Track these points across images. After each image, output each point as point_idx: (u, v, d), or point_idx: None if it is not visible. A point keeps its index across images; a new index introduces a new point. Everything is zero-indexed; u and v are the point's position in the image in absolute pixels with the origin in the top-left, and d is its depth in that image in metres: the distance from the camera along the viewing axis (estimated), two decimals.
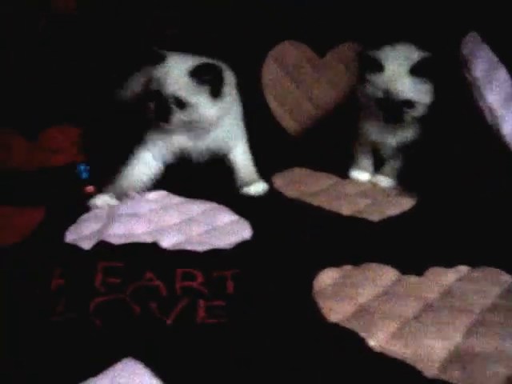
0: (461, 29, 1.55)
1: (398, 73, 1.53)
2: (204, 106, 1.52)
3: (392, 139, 1.67)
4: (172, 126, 1.54)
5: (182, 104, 1.50)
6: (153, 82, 1.51)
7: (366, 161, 1.75)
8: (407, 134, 1.65)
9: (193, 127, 1.56)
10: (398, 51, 1.57)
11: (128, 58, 1.85)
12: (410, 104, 1.55)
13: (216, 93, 1.54)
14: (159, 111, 1.51)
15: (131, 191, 1.50)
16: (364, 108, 1.66)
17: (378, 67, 1.54)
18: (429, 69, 1.53)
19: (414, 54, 1.55)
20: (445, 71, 1.56)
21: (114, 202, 1.47)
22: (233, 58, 1.95)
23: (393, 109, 1.56)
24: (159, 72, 1.51)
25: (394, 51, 1.58)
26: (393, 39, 1.64)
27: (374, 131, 1.68)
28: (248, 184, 1.61)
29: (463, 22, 1.56)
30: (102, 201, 1.46)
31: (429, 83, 1.56)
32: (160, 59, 1.52)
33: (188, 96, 1.50)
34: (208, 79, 1.52)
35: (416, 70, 1.52)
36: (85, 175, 1.60)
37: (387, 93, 1.54)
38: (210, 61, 1.55)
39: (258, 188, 1.61)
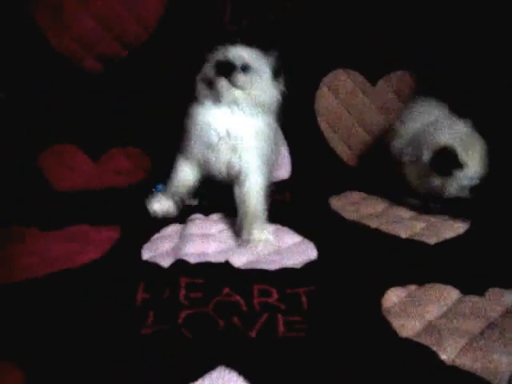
0: None
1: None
2: (266, 78, 1.57)
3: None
4: (232, 89, 1.53)
5: (247, 67, 1.53)
6: (218, 56, 1.54)
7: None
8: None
9: (247, 100, 1.55)
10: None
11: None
12: None
13: (277, 74, 1.59)
14: (223, 68, 1.52)
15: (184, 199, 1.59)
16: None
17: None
18: None
19: None
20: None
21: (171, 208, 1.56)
22: (288, 85, 2.04)
23: None
24: (224, 49, 1.55)
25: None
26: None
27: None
28: (250, 227, 1.46)
29: None
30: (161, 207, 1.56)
31: None
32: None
33: (254, 62, 1.54)
34: (273, 57, 1.58)
35: None
36: (159, 188, 1.65)
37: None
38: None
39: (261, 235, 1.44)
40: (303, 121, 2.12)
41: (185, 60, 1.88)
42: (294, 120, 2.08)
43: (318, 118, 2.13)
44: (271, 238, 1.45)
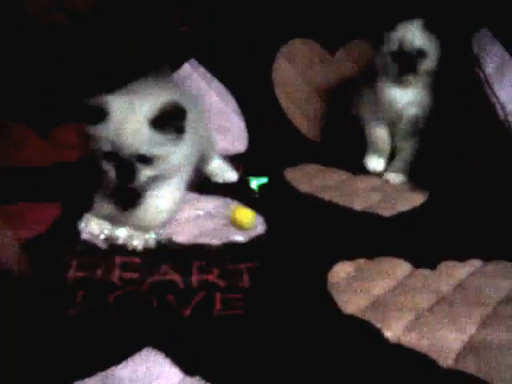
0: (472, 25, 1.56)
1: None
2: (173, 151, 1.31)
3: (406, 97, 1.69)
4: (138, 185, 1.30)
5: (147, 159, 1.27)
6: (102, 143, 1.26)
7: (383, 145, 1.78)
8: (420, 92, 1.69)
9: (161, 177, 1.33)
10: None
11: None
12: (422, 54, 1.61)
13: (181, 130, 1.31)
14: (122, 175, 1.27)
15: None
16: (380, 70, 1.71)
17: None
18: None
19: None
20: (456, 67, 1.57)
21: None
22: (243, 56, 1.98)
23: (407, 60, 1.63)
24: (109, 130, 1.26)
25: None
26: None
27: (390, 92, 1.70)
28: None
29: (474, 19, 1.57)
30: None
31: (436, 40, 1.63)
32: (102, 115, 1.27)
33: (153, 149, 1.27)
34: (174, 123, 1.29)
35: None
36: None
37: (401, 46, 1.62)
38: (167, 98, 1.31)
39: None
40: (260, 92, 2.05)
41: (132, 29, 1.80)
42: (251, 91, 2.03)
43: (275, 89, 2.06)
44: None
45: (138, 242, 1.25)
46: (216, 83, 1.98)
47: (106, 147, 1.26)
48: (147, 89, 1.39)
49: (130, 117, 1.26)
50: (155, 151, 1.26)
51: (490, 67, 1.47)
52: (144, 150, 1.25)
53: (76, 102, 1.30)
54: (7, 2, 1.85)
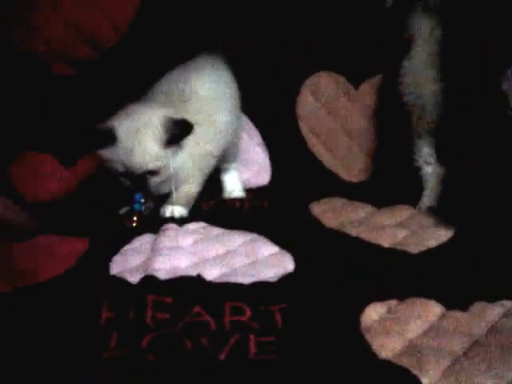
0: (500, 63, 1.56)
1: None
2: (174, 160, 1.53)
3: None
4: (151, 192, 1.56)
5: (155, 172, 1.51)
6: (115, 163, 1.50)
7: None
8: None
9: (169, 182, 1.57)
10: None
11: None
12: None
13: (179, 140, 1.53)
14: (135, 186, 1.53)
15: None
16: None
17: None
18: None
19: None
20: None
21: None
22: (268, 89, 1.99)
23: None
24: (119, 153, 1.49)
25: None
26: None
27: None
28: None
29: (503, 56, 1.57)
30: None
31: None
32: (110, 137, 1.48)
33: (159, 163, 1.50)
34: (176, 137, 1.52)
35: None
36: (138, 207, 1.57)
37: None
38: (168, 115, 1.53)
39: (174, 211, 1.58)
40: (284, 125, 2.06)
41: (156, 62, 1.81)
42: (275, 124, 2.04)
43: (300, 123, 2.07)
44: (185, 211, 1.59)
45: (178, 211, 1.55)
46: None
47: (119, 168, 1.49)
48: (151, 108, 1.54)
49: (137, 139, 1.46)
50: (161, 164, 1.49)
51: None
52: (151, 166, 1.49)
53: (86, 129, 1.50)
54: (37, 38, 1.87)
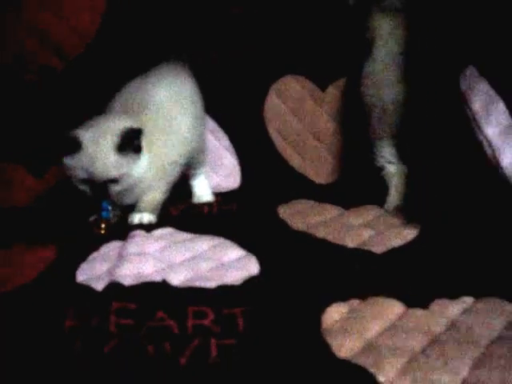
0: (459, 63, 1.58)
1: None
2: (135, 167, 1.56)
3: None
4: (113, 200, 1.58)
5: (115, 179, 1.53)
6: (78, 170, 1.53)
7: None
8: None
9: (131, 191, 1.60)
10: None
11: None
12: None
13: (138, 149, 1.57)
14: (96, 194, 1.55)
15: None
16: None
17: None
18: None
19: None
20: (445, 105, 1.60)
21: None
22: (234, 93, 2.00)
23: None
24: (82, 161, 1.52)
25: None
26: None
27: None
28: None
29: (462, 57, 1.59)
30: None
31: None
32: (75, 145, 1.52)
33: (119, 171, 1.53)
34: (134, 146, 1.55)
35: None
36: (105, 214, 1.59)
37: None
38: (127, 124, 1.56)
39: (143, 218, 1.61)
40: (252, 129, 2.08)
41: (123, 71, 1.82)
42: (243, 128, 2.05)
43: (267, 126, 2.09)
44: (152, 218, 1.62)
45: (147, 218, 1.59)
46: (208, 120, 1.99)
47: (81, 175, 1.52)
48: (112, 118, 1.59)
49: (97, 148, 1.50)
50: (120, 172, 1.52)
51: (476, 105, 1.49)
52: (112, 174, 1.52)
53: (52, 137, 1.55)
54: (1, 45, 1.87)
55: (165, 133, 1.60)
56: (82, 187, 1.55)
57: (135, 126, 1.55)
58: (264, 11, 2.08)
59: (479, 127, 1.47)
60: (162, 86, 1.71)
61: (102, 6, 1.93)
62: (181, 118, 1.71)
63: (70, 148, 1.52)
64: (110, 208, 1.58)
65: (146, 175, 1.59)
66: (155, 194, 1.64)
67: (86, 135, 1.52)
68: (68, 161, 1.53)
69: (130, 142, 1.53)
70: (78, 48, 1.94)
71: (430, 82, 1.69)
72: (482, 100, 1.49)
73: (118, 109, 1.64)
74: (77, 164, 1.52)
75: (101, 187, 1.54)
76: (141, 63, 1.83)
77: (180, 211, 1.76)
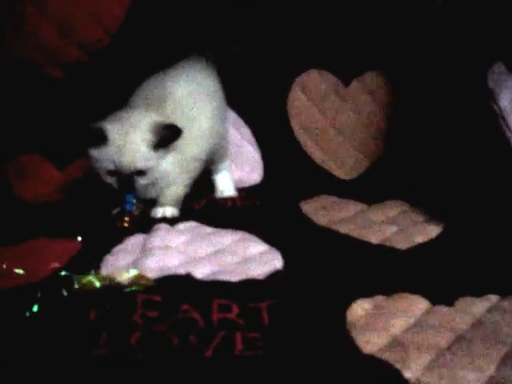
0: (487, 59, 1.57)
1: None
2: (162, 163, 1.57)
3: None
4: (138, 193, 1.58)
5: (142, 172, 1.54)
6: (105, 162, 1.53)
7: None
8: None
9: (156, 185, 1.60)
10: None
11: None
12: None
13: (167, 144, 1.57)
14: (122, 186, 1.55)
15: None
16: None
17: None
18: None
19: None
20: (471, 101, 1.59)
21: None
22: (258, 87, 2.00)
23: None
24: (109, 152, 1.52)
25: None
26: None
27: None
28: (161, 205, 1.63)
29: (490, 53, 1.58)
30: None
31: None
32: (101, 136, 1.52)
33: (148, 163, 1.54)
34: (165, 140, 1.55)
35: None
36: (129, 207, 1.58)
37: None
38: (157, 119, 1.57)
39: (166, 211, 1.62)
40: (275, 123, 2.07)
41: (146, 65, 1.82)
42: (267, 122, 2.05)
43: (291, 121, 2.08)
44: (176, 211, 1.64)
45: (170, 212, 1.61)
46: (231, 114, 1.99)
47: (108, 166, 1.53)
48: (140, 112, 1.59)
49: (126, 140, 1.51)
50: (149, 165, 1.53)
51: (505, 101, 1.48)
52: (140, 165, 1.53)
53: (78, 129, 1.54)
54: (24, 39, 1.88)
55: (186, 128, 1.58)
56: (108, 179, 1.56)
57: (166, 121, 1.56)
58: (288, 5, 2.06)
59: (507, 124, 1.46)
60: (183, 81, 1.71)
61: (127, 0, 1.92)
62: (202, 113, 1.70)
63: (96, 140, 1.52)
64: (133, 201, 1.58)
65: (172, 169, 1.60)
66: (177, 187, 1.65)
67: (113, 128, 1.53)
68: (94, 153, 1.54)
69: (162, 137, 1.53)
70: (102, 42, 1.93)
71: (457, 79, 1.68)
72: (510, 96, 1.48)
73: (139, 103, 1.64)
74: (104, 156, 1.52)
75: (127, 179, 1.54)
76: (164, 58, 1.83)
77: (203, 205, 1.76)
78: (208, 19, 2.00)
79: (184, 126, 1.56)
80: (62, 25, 1.88)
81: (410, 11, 2.02)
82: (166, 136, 1.54)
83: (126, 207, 1.58)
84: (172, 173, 1.60)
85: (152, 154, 1.54)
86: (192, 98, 1.69)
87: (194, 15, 1.98)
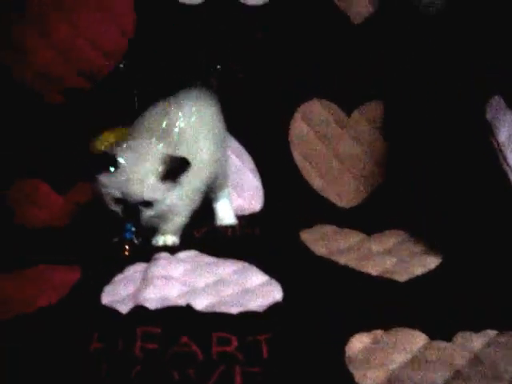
0: (486, 92, 1.59)
1: None
2: (169, 196, 1.57)
3: None
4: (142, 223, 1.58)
5: (149, 203, 1.54)
6: (113, 189, 1.53)
7: None
8: None
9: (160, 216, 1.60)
10: None
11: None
12: None
13: (176, 177, 1.57)
14: (128, 214, 1.55)
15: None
16: None
17: None
18: None
19: None
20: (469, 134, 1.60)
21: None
22: (260, 115, 2.02)
23: None
24: (119, 180, 1.53)
25: None
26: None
27: None
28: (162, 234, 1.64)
29: (487, 87, 1.60)
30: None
31: None
32: (112, 163, 1.53)
33: (155, 195, 1.54)
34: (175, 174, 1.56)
35: None
36: (129, 235, 1.59)
37: None
38: (173, 153, 1.56)
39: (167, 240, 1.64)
40: (276, 151, 2.09)
41: (148, 94, 1.85)
42: (268, 150, 2.06)
43: (292, 149, 2.09)
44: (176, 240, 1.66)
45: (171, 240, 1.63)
46: (232, 141, 2.00)
47: (116, 194, 1.53)
48: (151, 143, 1.58)
49: (137, 169, 1.52)
50: (156, 196, 1.53)
51: (503, 135, 1.50)
52: (147, 196, 1.52)
53: (90, 153, 1.59)
54: (27, 65, 1.89)
55: (190, 159, 1.58)
56: (114, 207, 1.56)
57: (175, 153, 1.57)
58: (289, 35, 2.08)
59: (504, 157, 1.47)
60: (187, 111, 1.71)
61: (131, 30, 1.94)
62: (204, 143, 1.71)
63: (107, 166, 1.53)
64: (133, 229, 1.59)
65: (177, 202, 1.60)
66: (179, 217, 1.65)
67: (125, 155, 1.54)
68: (104, 179, 1.54)
69: (172, 169, 1.54)
70: (105, 70, 1.95)
71: (457, 111, 1.70)
72: (508, 131, 1.49)
73: (142, 132, 1.64)
74: (113, 183, 1.53)
75: (133, 209, 1.54)
76: (166, 85, 1.84)
77: (203, 234, 1.77)
78: (210, 46, 2.01)
79: (188, 157, 1.56)
80: (65, 52, 1.89)
81: (409, 43, 2.03)
82: (176, 169, 1.54)
83: (125, 235, 1.58)
84: (177, 205, 1.60)
85: (160, 185, 1.53)
86: (195, 128, 1.70)
87: (196, 42, 1.99)
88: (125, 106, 1.93)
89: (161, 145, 1.58)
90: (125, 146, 1.58)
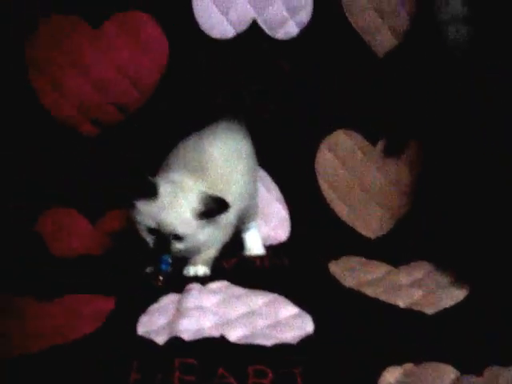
0: None
1: None
2: (201, 232, 1.59)
3: None
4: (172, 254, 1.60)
5: (180, 237, 1.56)
6: (148, 218, 1.56)
7: None
8: None
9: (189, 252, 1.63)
10: None
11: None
12: None
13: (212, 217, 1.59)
14: (158, 246, 1.57)
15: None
16: None
17: None
18: None
19: None
20: None
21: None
22: (287, 146, 2.05)
23: None
24: (155, 209, 1.55)
25: None
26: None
27: None
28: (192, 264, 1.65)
29: None
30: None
31: None
32: (152, 191, 1.55)
33: (188, 231, 1.56)
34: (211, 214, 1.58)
35: None
36: (165, 267, 1.61)
37: None
38: (213, 195, 1.58)
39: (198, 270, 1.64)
40: (303, 181, 2.12)
41: (180, 125, 1.89)
42: (294, 180, 2.09)
43: (318, 179, 2.12)
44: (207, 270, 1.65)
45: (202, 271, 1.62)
46: (260, 171, 2.03)
47: (150, 223, 1.55)
48: (194, 175, 1.60)
49: (175, 202, 1.53)
50: (188, 231, 1.55)
51: None
52: (180, 231, 1.55)
53: (131, 179, 1.56)
54: (61, 98, 1.94)
55: (222, 194, 1.60)
56: (145, 236, 1.58)
57: (215, 193, 1.59)
58: (315, 66, 2.12)
59: None
60: (219, 146, 1.75)
61: (164, 64, 1.98)
62: (238, 177, 1.74)
63: (147, 193, 1.55)
64: (170, 261, 1.61)
65: (209, 238, 1.62)
66: (210, 250, 1.67)
67: (165, 185, 1.56)
68: (141, 205, 1.56)
69: (209, 209, 1.56)
70: (138, 102, 1.99)
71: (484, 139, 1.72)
72: None
73: (176, 166, 1.67)
74: (149, 211, 1.55)
75: (164, 240, 1.56)
76: (198, 119, 1.88)
77: (233, 264, 1.79)
78: (239, 81, 2.05)
79: (221, 191, 1.60)
80: (101, 85, 1.94)
81: (432, 76, 2.06)
82: (213, 209, 1.56)
83: (161, 267, 1.60)
84: (209, 241, 1.62)
85: (194, 222, 1.55)
86: (229, 162, 1.74)
87: (227, 78, 2.02)
88: (154, 139, 1.96)
89: (200, 180, 1.61)
90: (164, 177, 1.61)
